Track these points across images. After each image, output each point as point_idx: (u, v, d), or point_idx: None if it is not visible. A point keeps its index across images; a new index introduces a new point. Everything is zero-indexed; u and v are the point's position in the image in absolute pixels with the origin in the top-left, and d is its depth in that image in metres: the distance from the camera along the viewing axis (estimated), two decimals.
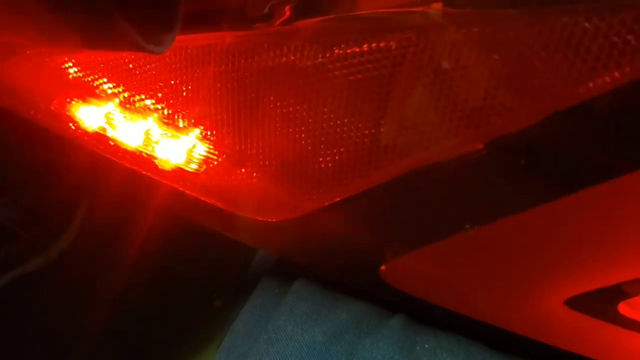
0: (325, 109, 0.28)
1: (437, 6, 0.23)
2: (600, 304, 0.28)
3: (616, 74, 0.20)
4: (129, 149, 0.34)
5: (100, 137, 0.34)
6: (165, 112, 0.32)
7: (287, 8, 0.26)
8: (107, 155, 0.35)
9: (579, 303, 0.28)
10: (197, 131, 0.32)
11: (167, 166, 0.33)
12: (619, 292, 0.28)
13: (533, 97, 0.22)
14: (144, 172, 0.34)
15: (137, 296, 0.62)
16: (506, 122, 0.23)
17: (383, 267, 0.31)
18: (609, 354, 0.30)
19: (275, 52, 0.28)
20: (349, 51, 0.26)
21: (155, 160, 0.33)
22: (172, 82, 0.31)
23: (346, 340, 0.32)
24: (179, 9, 0.22)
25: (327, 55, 0.26)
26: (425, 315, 0.33)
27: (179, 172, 0.33)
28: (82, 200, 0.63)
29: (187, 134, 0.32)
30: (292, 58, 0.27)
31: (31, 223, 0.60)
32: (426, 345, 0.32)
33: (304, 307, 0.33)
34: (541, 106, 0.22)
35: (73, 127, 0.34)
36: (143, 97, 0.32)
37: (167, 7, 0.22)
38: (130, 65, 0.32)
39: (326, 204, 0.30)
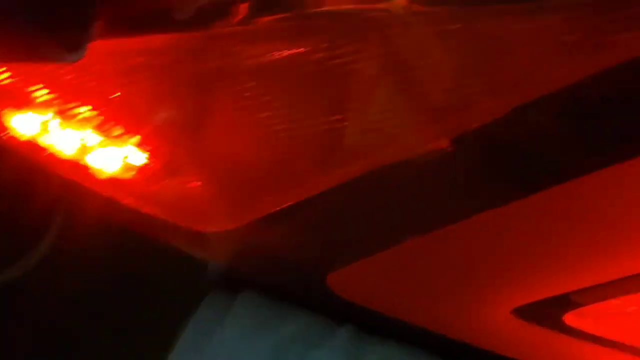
0: (274, 112, 0.27)
1: (401, 2, 0.22)
2: (547, 313, 0.28)
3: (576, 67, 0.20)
4: (63, 157, 0.32)
5: (34, 146, 0.33)
6: (101, 120, 0.31)
7: (244, 5, 0.25)
8: (42, 165, 0.33)
9: (526, 312, 0.28)
10: (132, 140, 0.30)
11: (103, 175, 0.31)
12: (565, 302, 0.27)
13: (497, 92, 0.21)
14: (79, 182, 0.32)
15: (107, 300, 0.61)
16: (470, 117, 0.22)
17: (329, 276, 0.30)
18: None
19: (225, 52, 0.26)
20: (306, 50, 0.25)
21: (90, 170, 0.32)
22: (107, 90, 0.30)
23: (293, 352, 0.31)
24: (92, 9, 0.21)
25: (284, 54, 0.25)
26: (374, 325, 0.32)
27: (114, 181, 0.32)
28: (58, 207, 0.62)
29: (123, 143, 0.31)
30: (242, 58, 0.26)
31: (8, 231, 0.59)
32: (374, 356, 0.31)
33: (249, 320, 0.33)
34: (505, 100, 0.21)
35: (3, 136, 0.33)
36: (79, 105, 0.31)
37: (80, 7, 0.20)
38: (67, 76, 0.31)
39: (270, 212, 0.29)
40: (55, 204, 0.61)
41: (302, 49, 0.25)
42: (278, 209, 0.29)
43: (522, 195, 0.23)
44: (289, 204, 0.28)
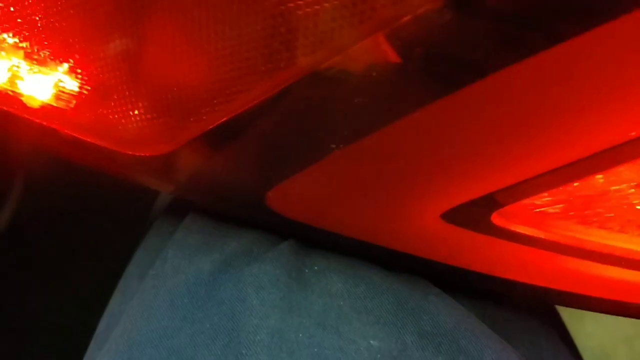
0: (204, 27, 0.26)
1: None
2: (475, 215, 0.29)
3: None
4: None
5: None
6: (28, 47, 0.30)
7: None
8: None
9: (455, 216, 0.29)
10: (63, 66, 0.30)
11: (35, 103, 0.31)
12: (491, 203, 0.28)
13: None
14: (11, 110, 0.32)
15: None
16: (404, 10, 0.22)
17: (268, 195, 0.31)
18: (486, 264, 0.31)
19: None
20: None
21: (22, 98, 0.31)
22: (33, 13, 0.29)
23: (234, 267, 0.32)
24: None
25: None
26: (315, 240, 0.33)
27: (48, 109, 0.31)
28: (17, 175, 0.61)
29: (53, 70, 0.30)
30: None
31: None
32: (315, 267, 0.32)
33: (192, 240, 0.33)
34: None
35: None
36: (3, 31, 0.30)
37: None
38: None
39: (205, 130, 0.29)
40: (14, 171, 0.61)
41: None
42: (212, 126, 0.29)
43: (441, 95, 0.24)
44: (223, 120, 0.29)
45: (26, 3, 0.29)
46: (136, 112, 0.30)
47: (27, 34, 0.30)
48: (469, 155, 0.26)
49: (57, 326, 0.63)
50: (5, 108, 0.32)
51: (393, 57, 0.24)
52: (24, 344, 0.62)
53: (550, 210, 0.29)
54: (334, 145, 0.27)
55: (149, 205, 0.44)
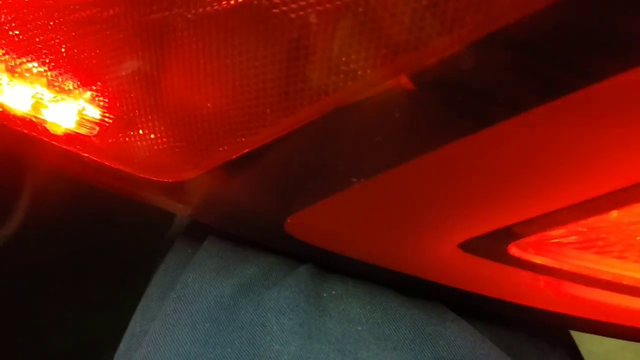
0: (227, 59, 0.27)
1: None
2: (492, 246, 0.29)
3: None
4: (18, 114, 0.32)
5: None
6: (52, 75, 0.31)
7: None
8: None
9: (471, 246, 0.29)
10: (86, 94, 0.31)
11: (59, 130, 0.32)
12: (508, 234, 0.29)
13: (454, 26, 0.22)
14: (36, 135, 0.32)
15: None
16: (427, 53, 0.23)
17: (288, 220, 0.31)
18: (502, 291, 0.31)
19: (174, 2, 0.26)
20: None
21: (46, 125, 0.32)
22: (56, 42, 0.30)
23: (254, 292, 0.32)
24: None
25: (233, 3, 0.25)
26: (333, 265, 0.34)
27: (72, 135, 0.32)
28: (25, 185, 0.61)
29: (77, 98, 0.31)
30: (192, 7, 0.26)
31: None
32: (333, 292, 0.33)
33: (212, 264, 0.34)
34: (461, 34, 0.22)
35: None
36: (27, 61, 0.31)
37: None
38: (13, 31, 0.30)
39: (227, 160, 0.30)
40: (22, 182, 0.61)
41: None
42: (235, 156, 0.29)
43: (471, 132, 0.24)
44: (245, 151, 0.29)
45: (50, 33, 0.29)
46: (159, 141, 0.30)
47: (50, 63, 0.30)
48: (488, 191, 0.26)
49: (65, 333, 0.64)
50: (29, 133, 0.32)
51: (415, 97, 0.24)
52: (31, 350, 0.63)
53: (565, 240, 0.29)
54: (354, 179, 0.27)
55: (156, 213, 0.45)
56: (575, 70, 0.22)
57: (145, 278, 0.39)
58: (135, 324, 0.34)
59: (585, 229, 0.29)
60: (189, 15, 0.26)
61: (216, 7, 0.26)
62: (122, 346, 0.34)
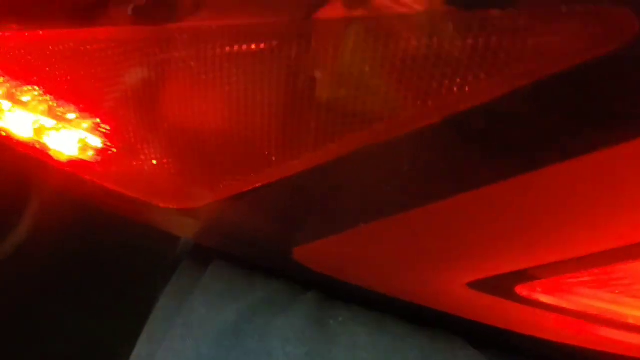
0: (234, 98, 0.26)
1: None
2: (500, 286, 0.28)
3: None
4: (21, 140, 0.32)
5: None
6: (53, 104, 0.30)
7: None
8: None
9: (480, 285, 0.29)
10: (87, 123, 0.30)
11: (62, 157, 0.31)
12: (517, 276, 0.28)
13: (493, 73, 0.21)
14: (40, 159, 0.32)
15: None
16: (465, 98, 0.22)
17: (296, 250, 0.31)
18: (511, 324, 0.31)
19: (182, 44, 0.25)
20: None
21: (49, 151, 0.31)
22: (58, 75, 0.29)
23: (259, 318, 0.32)
24: None
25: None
26: (340, 292, 0.33)
27: (76, 160, 0.31)
28: (33, 192, 0.61)
29: (78, 126, 0.30)
30: (200, 50, 0.25)
31: None
32: (340, 318, 0.32)
33: (218, 288, 0.34)
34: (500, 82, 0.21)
35: None
36: (29, 90, 0.30)
37: None
38: (17, 60, 0.29)
39: (234, 194, 0.29)
40: (28, 192, 0.60)
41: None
42: (240, 191, 0.29)
43: (499, 179, 0.23)
44: (253, 187, 0.28)
45: (51, 64, 0.28)
46: (164, 171, 0.30)
47: (51, 91, 0.29)
48: (507, 236, 0.26)
49: (70, 340, 0.65)
50: (34, 156, 0.32)
51: (430, 145, 0.23)
52: (33, 355, 0.64)
53: (576, 280, 0.29)
54: (362, 224, 0.27)
55: None
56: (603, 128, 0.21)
57: (147, 285, 0.39)
58: (142, 347, 0.35)
59: (596, 272, 0.28)
60: (199, 54, 0.25)
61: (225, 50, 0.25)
62: None
